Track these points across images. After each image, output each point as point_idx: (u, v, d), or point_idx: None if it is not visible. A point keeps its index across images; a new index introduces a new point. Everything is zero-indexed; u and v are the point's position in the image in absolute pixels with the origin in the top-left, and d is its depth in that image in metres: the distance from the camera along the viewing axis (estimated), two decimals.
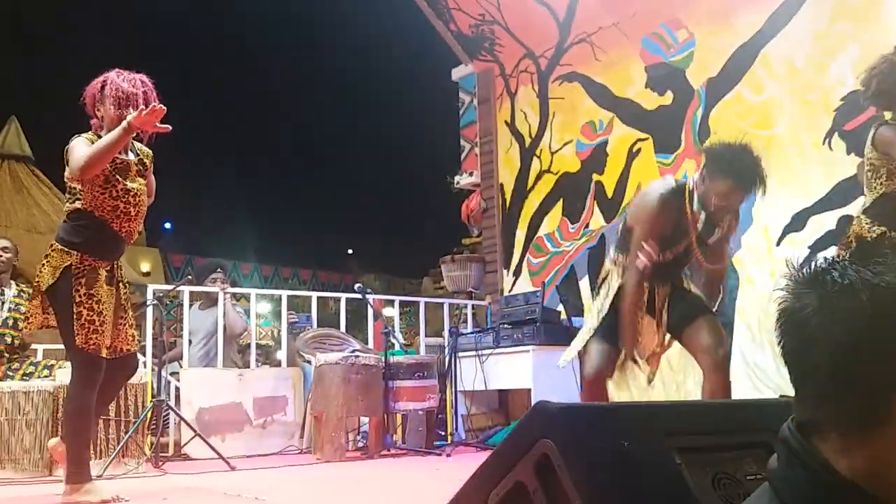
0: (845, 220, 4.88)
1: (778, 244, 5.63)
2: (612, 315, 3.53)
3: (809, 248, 5.36)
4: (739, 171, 3.32)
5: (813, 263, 0.99)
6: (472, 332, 6.77)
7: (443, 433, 6.43)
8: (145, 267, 15.41)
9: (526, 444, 1.42)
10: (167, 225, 18.19)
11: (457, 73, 8.28)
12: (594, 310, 3.66)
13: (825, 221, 5.37)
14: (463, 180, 8.04)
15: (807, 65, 5.59)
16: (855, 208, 4.45)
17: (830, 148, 5.42)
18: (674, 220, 3.50)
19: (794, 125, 5.64)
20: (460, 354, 6.54)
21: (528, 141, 7.53)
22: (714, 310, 3.64)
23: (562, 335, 6.05)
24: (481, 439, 6.35)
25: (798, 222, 5.53)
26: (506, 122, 7.75)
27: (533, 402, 6.10)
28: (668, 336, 3.62)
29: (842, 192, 5.26)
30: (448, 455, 5.61)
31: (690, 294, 3.62)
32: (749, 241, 5.79)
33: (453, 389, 6.51)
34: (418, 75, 9.46)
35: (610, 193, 6.78)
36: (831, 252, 4.85)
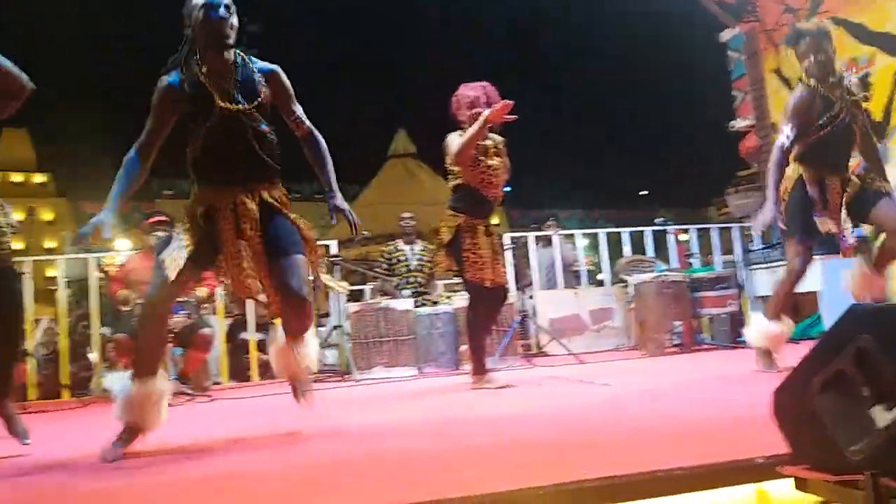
0: None
1: None
2: None
3: None
4: None
5: None
6: (761, 249, 6.30)
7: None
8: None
9: (843, 339, 1.36)
10: (506, 188, 18.89)
11: (724, 36, 7.68)
12: None
13: None
14: (738, 124, 7.50)
15: None
16: None
17: None
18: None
19: None
20: (752, 267, 6.17)
21: (795, 83, 6.76)
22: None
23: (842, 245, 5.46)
24: None
25: None
26: (773, 70, 7.04)
27: (821, 301, 5.53)
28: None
29: None
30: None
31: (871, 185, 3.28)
32: None
33: (749, 295, 6.16)
34: (687, 45, 8.92)
35: (879, 117, 5.92)
36: None
